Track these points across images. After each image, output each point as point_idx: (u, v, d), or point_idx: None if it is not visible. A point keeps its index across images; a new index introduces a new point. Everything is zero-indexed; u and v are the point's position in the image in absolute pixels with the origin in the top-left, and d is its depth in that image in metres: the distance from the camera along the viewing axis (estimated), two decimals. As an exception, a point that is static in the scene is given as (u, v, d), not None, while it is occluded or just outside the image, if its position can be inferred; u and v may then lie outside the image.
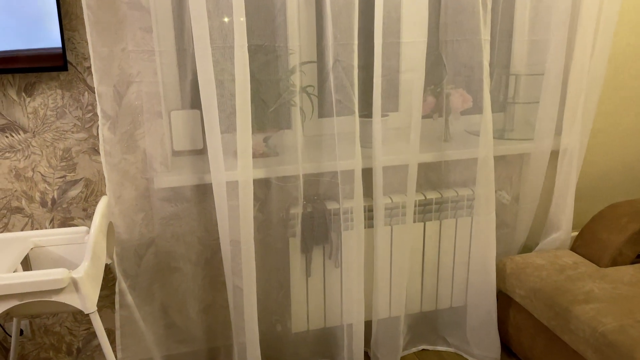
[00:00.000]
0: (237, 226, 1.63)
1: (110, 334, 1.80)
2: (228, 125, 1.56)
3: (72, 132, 1.59)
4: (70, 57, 1.53)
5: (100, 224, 1.33)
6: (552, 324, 1.63)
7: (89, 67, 1.55)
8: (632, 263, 1.83)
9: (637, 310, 1.51)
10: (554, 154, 1.97)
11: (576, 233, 2.00)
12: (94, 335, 1.78)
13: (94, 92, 1.56)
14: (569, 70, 1.86)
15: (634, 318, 1.48)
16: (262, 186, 1.78)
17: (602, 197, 2.19)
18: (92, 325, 1.77)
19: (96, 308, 1.30)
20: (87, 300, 1.29)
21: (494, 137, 1.99)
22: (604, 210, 1.93)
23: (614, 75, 2.03)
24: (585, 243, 1.89)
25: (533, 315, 1.76)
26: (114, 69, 1.54)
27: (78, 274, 1.27)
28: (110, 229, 1.52)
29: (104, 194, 1.63)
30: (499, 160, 1.99)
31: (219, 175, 1.56)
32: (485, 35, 1.66)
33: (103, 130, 1.56)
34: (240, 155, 1.56)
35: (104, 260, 1.35)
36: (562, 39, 1.79)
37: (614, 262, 1.79)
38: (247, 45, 1.47)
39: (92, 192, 1.65)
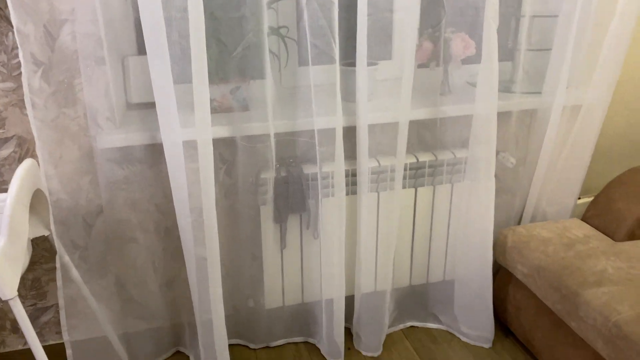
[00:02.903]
0: (199, 192, 1.41)
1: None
2: (181, 73, 1.30)
3: (-3, 81, 1.34)
4: (-15, -12, 1.26)
5: (18, 194, 1.10)
6: (557, 308, 1.43)
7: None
8: (652, 236, 1.61)
9: (657, 296, 1.30)
10: (570, 110, 1.70)
11: (589, 200, 1.77)
12: (41, 311, 1.60)
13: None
14: (590, 11, 1.58)
15: (654, 305, 1.27)
16: (229, 146, 1.54)
17: (620, 159, 1.94)
18: (39, 300, 1.59)
19: (16, 294, 1.10)
20: (4, 284, 1.07)
21: (498, 90, 1.72)
22: (622, 175, 1.69)
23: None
24: (599, 213, 1.67)
25: (536, 295, 1.55)
26: (42, 3, 1.27)
27: (-9, 254, 1.06)
28: (41, 197, 1.29)
29: (39, 154, 1.39)
30: (503, 117, 1.73)
31: (171, 133, 1.32)
32: (493, -35, 1.38)
33: (33, 80, 1.31)
34: (198, 109, 1.31)
35: (25, 236, 1.13)
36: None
37: (632, 236, 1.57)
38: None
39: (28, 151, 1.41)
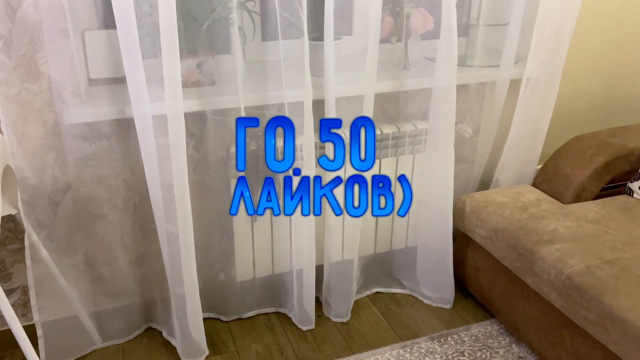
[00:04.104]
0: (169, 167, 1.41)
1: (26, 291, 1.58)
2: (150, 47, 1.30)
3: (-46, 55, 1.28)
4: (-61, -44, 1.20)
5: (-11, 169, 1.07)
6: (514, 266, 1.54)
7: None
8: (594, 198, 1.75)
9: (602, 250, 1.43)
10: (517, 83, 1.81)
11: (538, 167, 1.89)
12: (7, 294, 1.55)
13: (-23, 4, 1.24)
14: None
15: (601, 259, 1.39)
16: (196, 121, 1.54)
17: (565, 129, 2.08)
18: (3, 282, 1.55)
19: (-7, 271, 1.08)
20: (-20, 262, 1.06)
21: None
22: (568, 142, 1.82)
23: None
24: (548, 178, 1.79)
25: (493, 256, 1.66)
26: (0, -27, 1.22)
27: (-35, 231, 1.03)
28: (9, 174, 1.26)
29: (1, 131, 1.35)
30: (459, 90, 1.82)
31: (142, 107, 1.31)
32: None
33: (-7, 53, 1.27)
34: (168, 84, 1.31)
35: (-1, 213, 1.11)
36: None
37: (577, 198, 1.70)
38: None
39: (-12, 129, 1.37)
